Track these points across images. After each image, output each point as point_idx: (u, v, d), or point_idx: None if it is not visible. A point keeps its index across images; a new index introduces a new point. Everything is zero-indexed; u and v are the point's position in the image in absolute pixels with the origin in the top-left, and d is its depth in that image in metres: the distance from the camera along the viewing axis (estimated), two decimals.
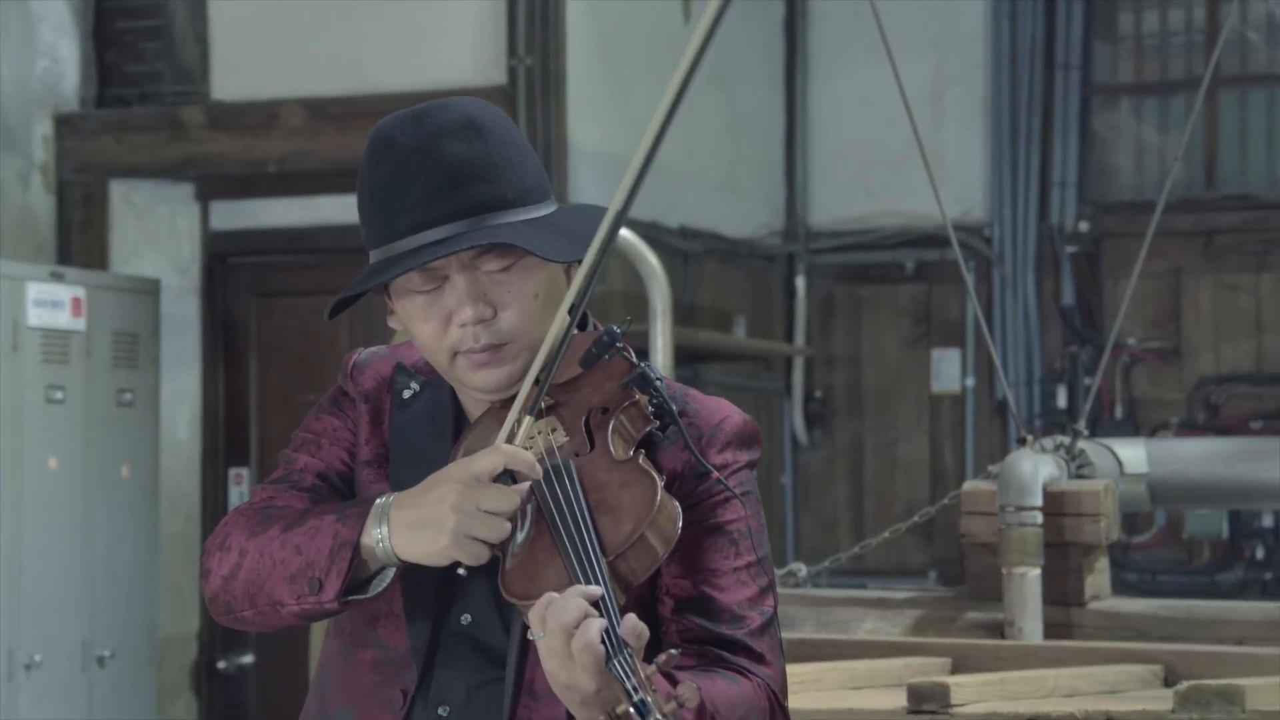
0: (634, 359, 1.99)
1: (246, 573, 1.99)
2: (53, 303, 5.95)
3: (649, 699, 1.76)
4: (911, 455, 8.05)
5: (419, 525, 1.91)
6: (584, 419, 1.96)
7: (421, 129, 1.97)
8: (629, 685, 1.77)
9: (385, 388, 2.08)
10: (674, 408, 1.97)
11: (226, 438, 6.72)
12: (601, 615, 1.81)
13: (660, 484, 1.90)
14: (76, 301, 6.02)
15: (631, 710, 1.75)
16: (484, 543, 1.90)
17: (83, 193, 6.64)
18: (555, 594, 1.83)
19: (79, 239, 6.61)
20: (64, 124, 6.62)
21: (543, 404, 1.95)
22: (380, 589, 1.97)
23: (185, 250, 6.73)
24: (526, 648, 1.95)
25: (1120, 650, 3.48)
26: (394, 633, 2.01)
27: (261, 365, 6.71)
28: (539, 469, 1.92)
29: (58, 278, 6.02)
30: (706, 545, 1.98)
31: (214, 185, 6.70)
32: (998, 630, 3.69)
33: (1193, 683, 3.05)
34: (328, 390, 2.13)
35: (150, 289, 6.41)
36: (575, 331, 1.96)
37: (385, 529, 1.93)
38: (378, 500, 1.95)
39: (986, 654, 3.53)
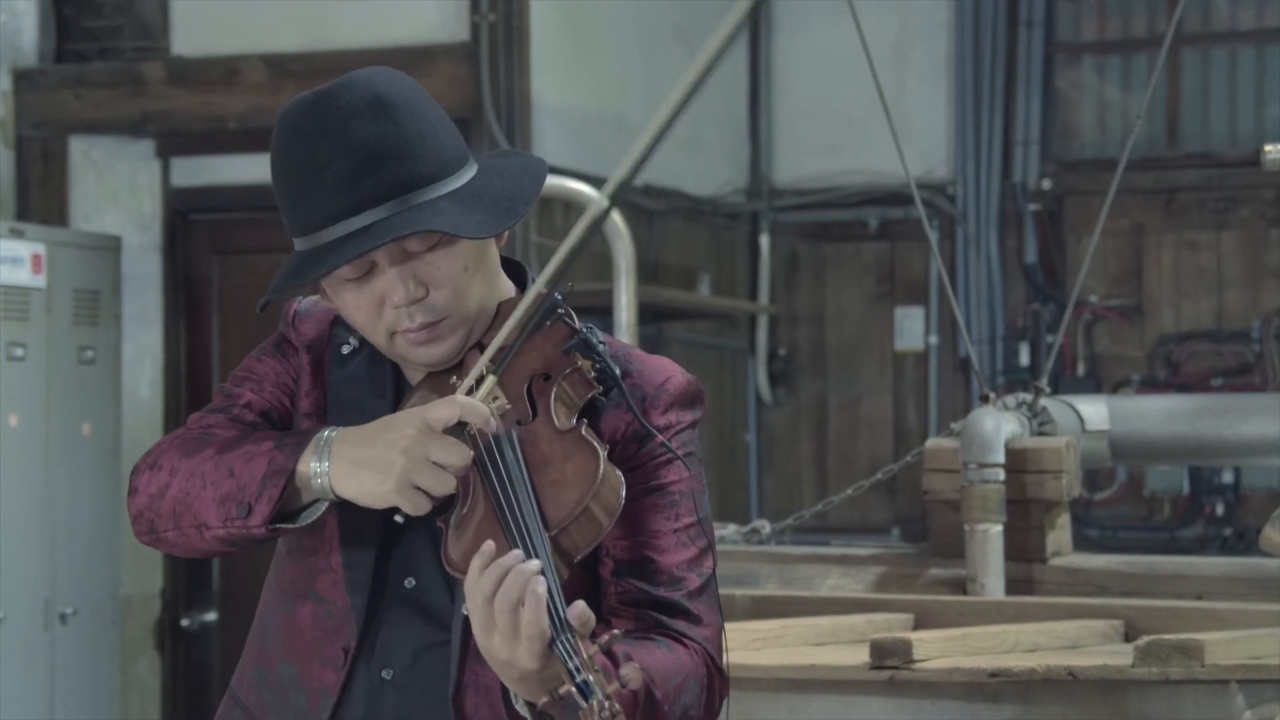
0: (576, 324, 1.97)
1: (175, 491, 1.96)
2: (12, 260, 5.90)
3: (591, 679, 1.74)
4: (875, 413, 8.07)
5: (363, 464, 1.89)
6: (526, 385, 1.94)
7: (326, 113, 1.92)
8: (571, 666, 1.75)
9: (326, 340, 2.07)
10: (617, 371, 1.97)
11: (188, 395, 6.69)
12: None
13: (603, 455, 1.88)
14: (37, 258, 5.98)
15: (574, 691, 1.74)
16: (426, 494, 1.88)
17: (42, 149, 6.59)
18: (492, 570, 1.80)
19: (38, 195, 6.56)
20: (22, 79, 6.56)
21: (484, 369, 1.93)
22: (309, 522, 1.95)
23: (146, 207, 6.69)
24: None
25: (1081, 606, 3.50)
26: (332, 588, 2.00)
27: (223, 322, 6.68)
28: (494, 422, 1.90)
29: (17, 234, 5.97)
30: (648, 507, 1.97)
31: (174, 141, 6.65)
32: (960, 586, 3.70)
33: (1152, 637, 3.07)
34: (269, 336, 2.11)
35: (111, 246, 6.37)
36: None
37: (326, 463, 1.91)
38: (322, 432, 1.93)
39: (949, 610, 3.55)
